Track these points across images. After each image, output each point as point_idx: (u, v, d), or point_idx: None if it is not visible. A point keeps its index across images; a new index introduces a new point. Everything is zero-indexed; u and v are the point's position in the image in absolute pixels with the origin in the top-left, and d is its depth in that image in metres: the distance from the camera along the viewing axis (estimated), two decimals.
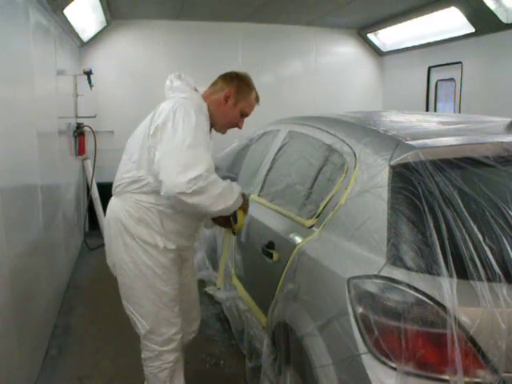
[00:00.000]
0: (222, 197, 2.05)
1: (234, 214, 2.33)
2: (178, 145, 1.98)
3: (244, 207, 2.32)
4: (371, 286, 1.58)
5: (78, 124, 5.63)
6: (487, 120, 2.41)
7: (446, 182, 1.66)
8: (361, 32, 7.17)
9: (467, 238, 1.54)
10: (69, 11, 4.40)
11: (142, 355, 2.38)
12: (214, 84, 2.38)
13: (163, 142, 2.03)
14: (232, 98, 2.30)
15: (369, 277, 1.61)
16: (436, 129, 2.22)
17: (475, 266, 1.49)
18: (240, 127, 2.43)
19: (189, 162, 1.95)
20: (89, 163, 6.06)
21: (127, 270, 2.24)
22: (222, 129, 2.41)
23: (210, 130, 2.33)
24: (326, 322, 1.76)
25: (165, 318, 2.28)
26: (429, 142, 1.86)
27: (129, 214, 2.20)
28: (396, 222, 1.65)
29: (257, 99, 2.41)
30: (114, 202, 2.30)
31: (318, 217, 2.11)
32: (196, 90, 2.33)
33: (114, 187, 2.31)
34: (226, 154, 4.10)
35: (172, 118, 2.05)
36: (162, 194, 2.02)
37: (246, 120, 2.45)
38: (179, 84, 2.27)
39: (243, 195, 2.31)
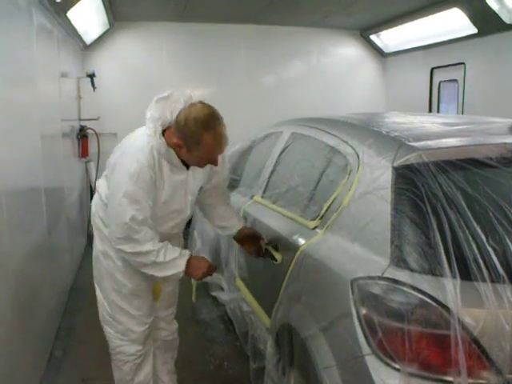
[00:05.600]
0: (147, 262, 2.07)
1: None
2: (116, 192, 2.04)
3: (192, 273, 2.16)
4: (375, 288, 1.58)
5: (82, 126, 5.66)
6: (490, 121, 2.41)
7: (448, 183, 1.66)
8: (363, 33, 7.17)
9: (470, 239, 1.54)
10: (72, 14, 4.42)
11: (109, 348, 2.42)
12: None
13: (110, 185, 2.15)
14: (183, 147, 2.02)
15: (372, 278, 1.61)
16: (439, 130, 2.22)
17: (479, 267, 1.49)
18: (216, 165, 2.16)
19: (119, 211, 2.01)
20: (92, 166, 6.08)
21: (95, 254, 2.37)
22: (197, 166, 2.19)
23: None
24: (329, 323, 1.76)
25: (124, 308, 2.30)
26: (432, 143, 1.86)
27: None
28: (399, 224, 1.65)
29: (217, 139, 2.00)
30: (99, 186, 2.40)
31: (321, 218, 2.11)
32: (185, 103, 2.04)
33: None
34: (228, 156, 4.09)
35: (119, 163, 2.08)
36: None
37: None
38: (152, 113, 2.06)
39: (197, 259, 2.20)
